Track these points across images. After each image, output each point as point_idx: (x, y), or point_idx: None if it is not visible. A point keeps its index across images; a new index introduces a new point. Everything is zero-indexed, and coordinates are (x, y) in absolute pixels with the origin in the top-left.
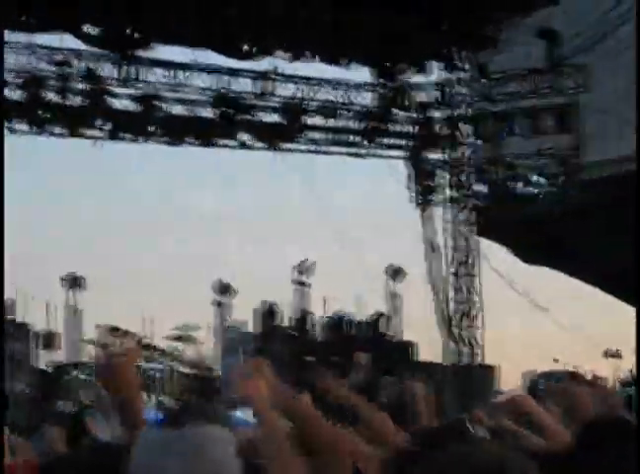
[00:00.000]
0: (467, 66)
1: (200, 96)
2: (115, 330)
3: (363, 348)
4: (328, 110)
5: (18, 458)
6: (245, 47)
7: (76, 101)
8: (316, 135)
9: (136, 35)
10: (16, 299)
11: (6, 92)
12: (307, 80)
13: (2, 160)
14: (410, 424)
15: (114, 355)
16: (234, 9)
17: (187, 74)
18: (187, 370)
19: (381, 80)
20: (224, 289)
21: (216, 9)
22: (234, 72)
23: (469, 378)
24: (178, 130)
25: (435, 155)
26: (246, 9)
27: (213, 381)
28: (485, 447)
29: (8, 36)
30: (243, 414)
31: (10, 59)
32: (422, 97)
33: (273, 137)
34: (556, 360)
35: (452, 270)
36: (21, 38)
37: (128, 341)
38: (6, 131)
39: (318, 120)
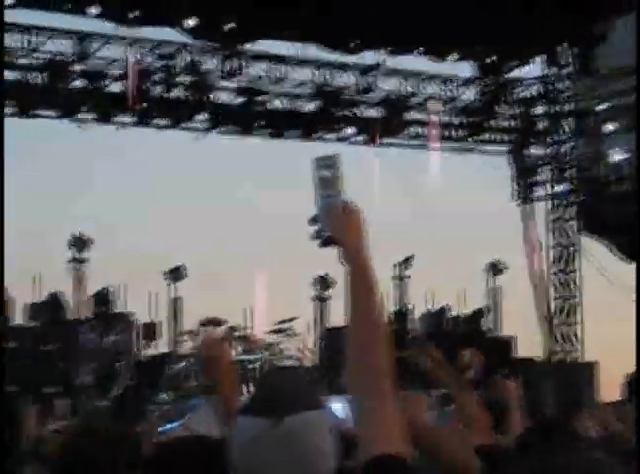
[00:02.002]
0: (572, 62)
1: (301, 89)
2: (210, 321)
3: (464, 343)
4: (431, 105)
5: None
6: (350, 42)
7: (179, 94)
8: (419, 131)
9: (242, 28)
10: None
11: (111, 85)
12: (411, 75)
13: (2, 159)
14: (500, 422)
15: (207, 344)
16: (340, 3)
17: (288, 68)
18: (280, 363)
19: (486, 76)
20: (324, 285)
21: (322, 3)
22: (337, 66)
23: (569, 376)
24: (279, 124)
25: (537, 151)
26: (352, 3)
27: (311, 374)
28: (582, 454)
29: (114, 29)
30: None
31: (116, 52)
32: (525, 92)
33: (375, 132)
34: None
35: (554, 266)
36: (127, 31)
37: (219, 331)
38: (109, 125)
39: (421, 116)
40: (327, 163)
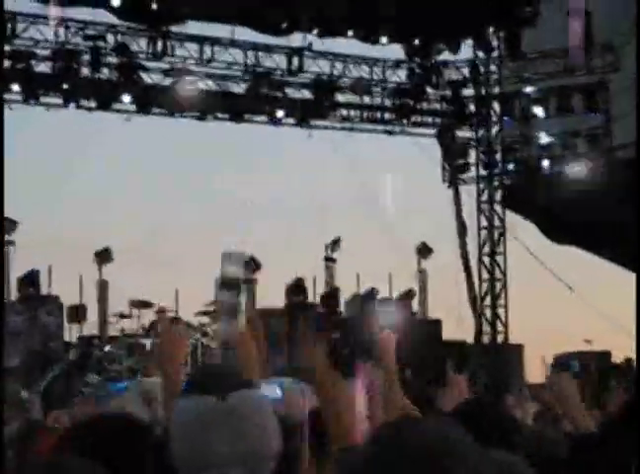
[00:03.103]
0: (499, 45)
1: (230, 71)
2: (140, 303)
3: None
4: (361, 87)
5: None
6: (278, 24)
7: (107, 74)
8: (350, 113)
9: (170, 10)
10: (44, 273)
11: (37, 65)
12: (340, 57)
13: (2, 158)
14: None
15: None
16: None
17: (217, 49)
18: (213, 344)
19: (414, 58)
20: (254, 266)
21: None
22: (266, 48)
23: (497, 357)
24: (208, 105)
25: (465, 133)
26: None
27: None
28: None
29: (41, 9)
30: (273, 389)
31: (42, 33)
32: (454, 75)
33: (305, 114)
34: (588, 341)
35: (482, 249)
36: (54, 11)
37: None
38: (36, 104)
39: (351, 98)
40: (234, 259)
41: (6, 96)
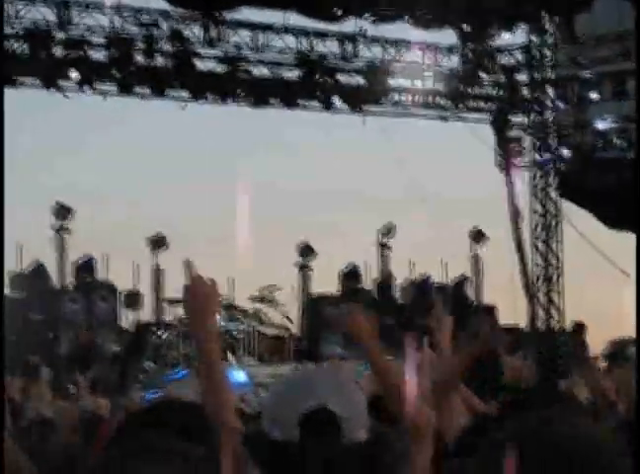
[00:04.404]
0: (554, 30)
1: (283, 57)
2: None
3: (449, 311)
4: (414, 72)
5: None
6: (331, 10)
7: (162, 62)
8: (402, 98)
9: None
10: (100, 260)
11: (92, 53)
12: (393, 42)
13: (2, 157)
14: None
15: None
16: None
17: (271, 35)
18: (267, 331)
19: (468, 43)
20: (308, 252)
21: None
22: (319, 34)
23: (554, 343)
24: (262, 92)
25: (519, 119)
26: None
27: (292, 342)
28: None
29: None
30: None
31: (96, 21)
32: (508, 60)
33: (357, 100)
34: None
35: (536, 234)
36: None
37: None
38: (91, 92)
39: (403, 82)
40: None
41: (62, 83)
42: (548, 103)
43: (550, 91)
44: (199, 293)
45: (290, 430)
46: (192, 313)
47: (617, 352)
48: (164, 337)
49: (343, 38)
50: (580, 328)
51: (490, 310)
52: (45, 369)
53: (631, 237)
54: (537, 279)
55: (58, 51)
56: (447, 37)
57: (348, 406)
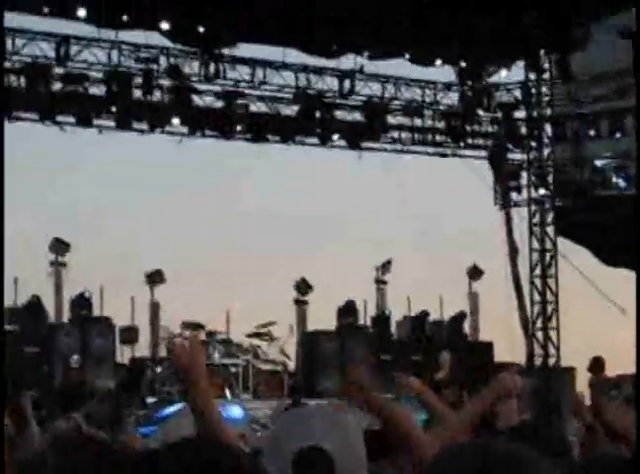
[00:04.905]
0: (550, 67)
1: (281, 93)
2: (190, 325)
3: (445, 347)
4: (412, 109)
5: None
6: (329, 46)
7: (159, 97)
8: (401, 135)
9: (220, 32)
10: (94, 295)
11: (90, 88)
12: (392, 79)
13: (2, 159)
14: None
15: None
16: (320, 8)
17: (269, 71)
18: (263, 366)
19: (466, 80)
20: (305, 287)
21: (302, 7)
22: (317, 70)
23: (548, 380)
24: (260, 127)
25: (517, 156)
26: (333, 8)
27: (288, 377)
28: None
29: (94, 32)
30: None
31: (95, 56)
32: (505, 97)
33: (355, 136)
34: None
35: (534, 270)
36: (108, 34)
37: (198, 334)
38: (88, 127)
39: (402, 120)
40: None
41: (59, 118)
42: (545, 140)
43: (548, 128)
44: (183, 355)
45: (285, 468)
46: (181, 371)
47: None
48: (158, 371)
49: (341, 74)
50: (597, 365)
51: (487, 346)
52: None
53: (628, 274)
54: (534, 316)
55: (56, 86)
56: (445, 74)
57: (343, 446)
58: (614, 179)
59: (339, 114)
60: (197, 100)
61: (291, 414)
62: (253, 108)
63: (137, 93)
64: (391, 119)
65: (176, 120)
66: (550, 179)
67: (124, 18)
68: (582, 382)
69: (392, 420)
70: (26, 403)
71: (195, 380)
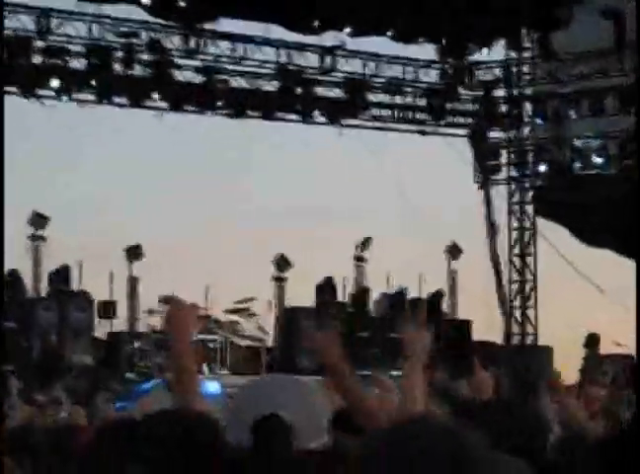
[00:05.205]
0: (532, 46)
1: (262, 69)
2: (169, 300)
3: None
4: (393, 87)
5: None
6: (311, 22)
7: (140, 71)
8: (382, 112)
9: (201, 7)
10: (74, 269)
11: (71, 62)
12: (373, 56)
13: (2, 159)
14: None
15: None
16: None
17: (250, 47)
18: (242, 342)
19: (447, 58)
20: (285, 264)
21: None
22: (299, 46)
23: (526, 359)
24: (240, 103)
25: (497, 134)
26: None
27: (266, 354)
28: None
29: (76, 6)
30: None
31: (76, 30)
32: (486, 75)
33: (336, 113)
34: (619, 344)
35: (512, 249)
36: (89, 8)
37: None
38: (69, 101)
39: (383, 97)
40: None
41: (39, 91)
42: (526, 119)
43: (528, 107)
44: (179, 314)
45: (244, 435)
46: (172, 330)
47: (591, 367)
48: (137, 346)
49: (322, 51)
50: (592, 340)
51: (466, 324)
52: (14, 379)
53: (606, 254)
54: (513, 295)
55: (37, 60)
56: (426, 52)
57: (301, 413)
58: (594, 158)
59: (320, 90)
60: (177, 75)
61: (253, 383)
62: (233, 83)
63: (118, 67)
64: (372, 97)
65: (156, 95)
66: (530, 158)
67: None
68: (559, 360)
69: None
70: (8, 377)
71: (181, 347)
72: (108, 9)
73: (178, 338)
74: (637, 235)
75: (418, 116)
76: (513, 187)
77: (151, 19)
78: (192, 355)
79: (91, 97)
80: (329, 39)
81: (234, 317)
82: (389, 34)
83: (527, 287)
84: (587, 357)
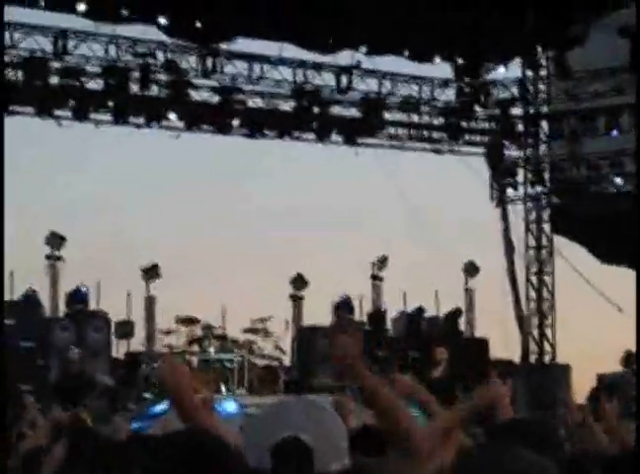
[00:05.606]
0: (548, 64)
1: (278, 89)
2: (186, 320)
3: (440, 343)
4: (409, 106)
5: None
6: (326, 41)
7: (156, 92)
8: (398, 131)
9: (217, 27)
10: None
11: (87, 82)
12: (389, 75)
13: (2, 160)
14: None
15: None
16: (317, 2)
17: (266, 67)
18: (259, 361)
19: (463, 77)
20: (301, 283)
21: (299, 2)
22: (315, 66)
23: (543, 377)
24: (256, 123)
25: (514, 152)
26: (330, 3)
27: (283, 373)
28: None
29: (93, 27)
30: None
31: (93, 50)
32: (502, 94)
33: (352, 132)
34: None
35: (530, 267)
36: (105, 29)
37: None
38: (85, 121)
39: (399, 116)
40: None
41: (56, 112)
42: (542, 136)
43: (544, 125)
44: (167, 376)
45: (263, 458)
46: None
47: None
48: (155, 366)
49: (338, 70)
50: (629, 358)
51: (483, 343)
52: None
53: (624, 271)
54: (530, 313)
55: (54, 80)
56: (443, 70)
57: (321, 436)
58: (611, 176)
59: (336, 109)
60: (193, 94)
61: (272, 405)
62: (250, 103)
63: (134, 87)
64: (388, 116)
65: (172, 115)
66: (547, 176)
67: (122, 12)
68: (577, 379)
69: (384, 404)
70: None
71: (181, 399)
72: (124, 30)
73: (177, 395)
74: (637, 244)
75: (434, 134)
76: (530, 205)
77: (167, 39)
78: (192, 400)
79: (107, 117)
80: (345, 58)
81: (251, 336)
82: (405, 53)
83: (545, 305)
84: (623, 376)
